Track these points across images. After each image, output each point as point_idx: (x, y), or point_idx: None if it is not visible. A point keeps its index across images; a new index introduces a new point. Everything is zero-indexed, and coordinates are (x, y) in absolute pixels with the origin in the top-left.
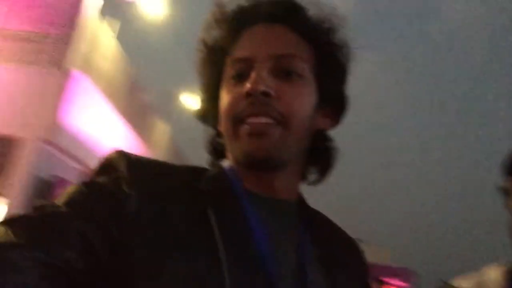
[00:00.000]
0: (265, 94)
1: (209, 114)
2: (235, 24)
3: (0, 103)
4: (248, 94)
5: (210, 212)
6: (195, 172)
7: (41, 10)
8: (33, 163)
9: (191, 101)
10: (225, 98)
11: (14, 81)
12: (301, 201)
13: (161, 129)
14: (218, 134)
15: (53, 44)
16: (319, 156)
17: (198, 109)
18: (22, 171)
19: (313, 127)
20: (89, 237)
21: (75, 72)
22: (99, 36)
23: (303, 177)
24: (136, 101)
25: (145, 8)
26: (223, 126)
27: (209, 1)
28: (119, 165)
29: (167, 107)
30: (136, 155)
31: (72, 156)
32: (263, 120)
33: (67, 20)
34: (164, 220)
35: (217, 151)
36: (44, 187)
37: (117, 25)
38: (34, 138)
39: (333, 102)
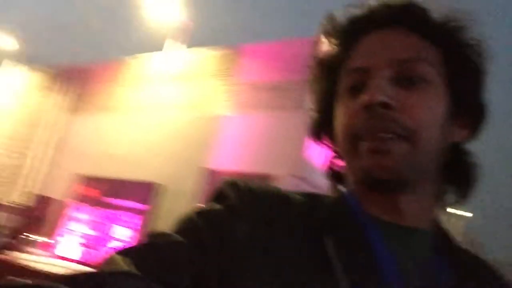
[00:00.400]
0: (385, 105)
1: (324, 134)
2: (348, 34)
3: (256, 146)
4: (366, 107)
5: (327, 241)
6: (311, 199)
7: (286, 59)
8: None
9: None
10: (340, 114)
11: (266, 126)
12: (438, 230)
13: None
14: (336, 156)
15: (296, 89)
16: (457, 174)
17: (312, 130)
18: None
19: (447, 140)
20: (198, 267)
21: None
22: None
23: (438, 200)
24: None
25: None
26: (340, 145)
27: None
28: (229, 194)
29: None
30: (247, 183)
31: (318, 187)
32: (384, 136)
33: (306, 65)
34: (275, 251)
35: (336, 175)
36: None
37: None
38: (285, 174)
39: (469, 110)
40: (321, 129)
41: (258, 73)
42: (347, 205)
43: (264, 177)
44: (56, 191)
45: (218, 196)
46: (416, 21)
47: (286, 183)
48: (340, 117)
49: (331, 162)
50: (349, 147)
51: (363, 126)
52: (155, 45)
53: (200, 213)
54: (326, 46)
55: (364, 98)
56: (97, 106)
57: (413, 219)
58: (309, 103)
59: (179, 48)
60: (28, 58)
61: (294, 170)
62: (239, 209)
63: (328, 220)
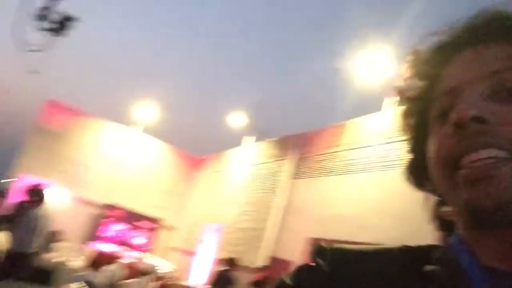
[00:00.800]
0: (479, 120)
1: (423, 176)
2: (434, 62)
3: None
4: (456, 126)
5: None
6: (416, 253)
7: None
8: None
9: None
10: (430, 145)
11: None
12: None
13: None
14: (441, 200)
15: None
16: None
17: (409, 174)
18: None
19: None
20: None
21: None
22: None
23: None
24: None
25: None
26: (435, 181)
27: None
28: (314, 256)
29: None
30: (341, 246)
31: None
32: (485, 154)
33: None
34: None
35: (444, 223)
36: None
37: None
38: None
39: None
40: (419, 171)
41: None
42: (454, 254)
43: None
44: (288, 253)
45: (311, 259)
46: (505, 32)
47: None
48: (430, 148)
49: (437, 209)
50: (444, 179)
51: (456, 149)
52: (369, 106)
53: (291, 275)
54: (410, 80)
55: (453, 116)
56: (319, 169)
57: None
58: None
59: (391, 106)
60: (258, 132)
61: None
62: (329, 274)
63: (435, 276)
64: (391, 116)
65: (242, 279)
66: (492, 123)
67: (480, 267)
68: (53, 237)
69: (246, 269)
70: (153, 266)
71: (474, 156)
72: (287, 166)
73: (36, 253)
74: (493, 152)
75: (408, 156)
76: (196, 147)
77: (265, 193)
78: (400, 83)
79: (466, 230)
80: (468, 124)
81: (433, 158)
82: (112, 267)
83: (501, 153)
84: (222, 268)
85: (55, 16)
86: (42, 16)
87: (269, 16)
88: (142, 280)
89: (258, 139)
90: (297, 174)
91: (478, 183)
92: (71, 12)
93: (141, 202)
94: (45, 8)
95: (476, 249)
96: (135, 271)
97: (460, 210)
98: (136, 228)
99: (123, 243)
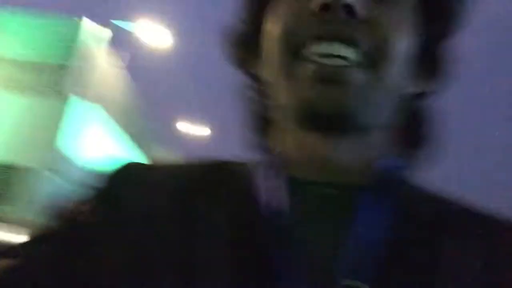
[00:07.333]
0: (350, 10)
1: (251, 54)
2: None
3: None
4: (323, 7)
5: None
6: (219, 167)
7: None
8: (37, 191)
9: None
10: (277, 17)
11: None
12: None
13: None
14: (264, 91)
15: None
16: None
17: (234, 47)
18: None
19: (408, 85)
20: None
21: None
22: (108, 67)
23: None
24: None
25: (150, 40)
26: (268, 64)
27: (212, 34)
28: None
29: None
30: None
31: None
32: (337, 49)
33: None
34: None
35: (261, 120)
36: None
37: (127, 56)
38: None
39: (437, 56)
40: (248, 47)
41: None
42: (253, 168)
43: (11, 168)
44: None
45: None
46: None
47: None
48: (277, 22)
49: (257, 101)
50: (282, 65)
51: (309, 31)
52: None
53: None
54: None
55: None
56: None
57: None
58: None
59: None
60: None
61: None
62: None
63: (214, 188)
64: None
65: None
66: (360, 19)
67: (284, 178)
68: None
69: None
70: None
71: (324, 47)
72: None
73: None
74: (347, 52)
75: (238, 25)
76: None
77: None
78: None
79: (286, 132)
80: (337, 9)
81: (275, 34)
82: None
83: (354, 55)
84: None
85: None
86: None
87: None
88: None
89: None
90: None
91: (327, 85)
92: None
93: None
94: None
95: (289, 157)
96: None
97: (292, 106)
98: None
99: None
